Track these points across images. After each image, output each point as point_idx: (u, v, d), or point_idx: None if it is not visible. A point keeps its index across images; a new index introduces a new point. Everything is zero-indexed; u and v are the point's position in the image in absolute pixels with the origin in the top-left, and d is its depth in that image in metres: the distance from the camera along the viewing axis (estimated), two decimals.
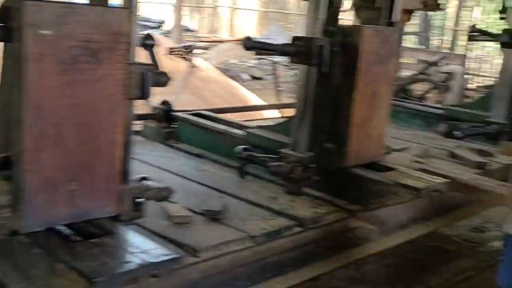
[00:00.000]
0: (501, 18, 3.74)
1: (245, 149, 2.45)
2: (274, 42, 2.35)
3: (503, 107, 3.67)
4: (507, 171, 3.15)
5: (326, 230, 2.35)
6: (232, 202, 2.25)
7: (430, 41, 13.73)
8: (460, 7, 12.85)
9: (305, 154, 2.36)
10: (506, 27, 3.66)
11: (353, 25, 2.40)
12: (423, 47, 12.78)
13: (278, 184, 2.48)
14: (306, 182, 2.37)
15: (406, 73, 7.09)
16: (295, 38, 2.19)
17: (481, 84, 10.24)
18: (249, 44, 2.17)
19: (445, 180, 2.42)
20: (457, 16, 10.87)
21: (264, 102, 6.09)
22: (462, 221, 3.54)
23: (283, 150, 2.38)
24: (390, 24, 2.54)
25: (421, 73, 5.27)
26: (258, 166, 2.49)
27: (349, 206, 2.40)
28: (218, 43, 13.40)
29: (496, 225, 3.73)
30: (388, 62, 2.41)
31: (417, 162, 3.01)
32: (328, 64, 2.25)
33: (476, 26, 3.93)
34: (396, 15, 2.60)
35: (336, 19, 2.31)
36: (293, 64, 2.37)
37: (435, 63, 5.45)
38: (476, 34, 3.79)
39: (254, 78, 10.92)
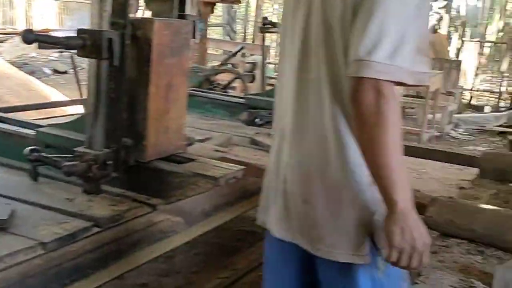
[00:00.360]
0: None
1: (33, 150, 2.27)
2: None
3: None
4: None
5: (127, 227, 2.31)
6: (21, 208, 2.09)
7: (235, 33, 14.26)
8: None
9: (102, 151, 2.27)
10: None
11: (143, 18, 2.36)
12: (228, 38, 13.24)
13: (76, 184, 2.36)
14: (104, 180, 2.29)
15: (212, 64, 7.28)
16: (80, 31, 2.08)
17: None
18: (30, 38, 2.00)
19: (241, 167, 2.51)
20: (258, 8, 11.45)
21: (66, 98, 5.76)
22: None
23: (77, 148, 2.27)
24: (182, 16, 2.54)
25: (223, 64, 5.42)
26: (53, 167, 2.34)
27: (150, 201, 2.38)
28: (14, 35, 12.35)
29: None
30: (181, 54, 2.42)
31: (219, 151, 3.09)
32: (119, 57, 2.18)
33: (267, 18, 4.14)
34: (188, 8, 2.62)
35: (125, 11, 2.24)
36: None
37: (234, 54, 5.66)
38: (268, 26, 4.00)
39: (57, 72, 10.30)
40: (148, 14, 2.58)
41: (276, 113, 1.53)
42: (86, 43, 2.09)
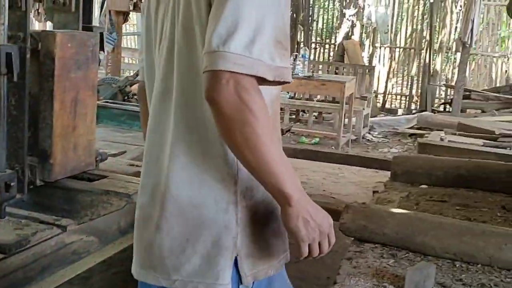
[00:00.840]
0: None
1: None
2: None
3: None
4: None
5: (35, 251, 2.19)
6: None
7: None
8: None
9: (4, 172, 2.14)
10: None
11: (44, 30, 2.25)
12: None
13: None
14: (7, 202, 2.15)
15: (127, 74, 7.12)
16: None
17: None
18: None
19: None
20: None
21: None
22: None
23: None
24: (89, 28, 2.46)
25: (138, 74, 5.32)
26: None
27: (60, 222, 2.26)
28: None
29: None
30: (88, 68, 2.33)
31: (134, 165, 3.01)
32: (19, 72, 2.06)
33: None
34: (96, 18, 2.53)
35: (25, 23, 2.13)
36: None
37: None
38: None
39: None
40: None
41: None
42: None
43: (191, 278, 1.18)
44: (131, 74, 5.64)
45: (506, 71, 10.44)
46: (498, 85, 10.11)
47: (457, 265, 2.02)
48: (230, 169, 1.15)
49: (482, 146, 5.19)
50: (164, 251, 1.19)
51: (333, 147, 6.79)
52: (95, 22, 2.49)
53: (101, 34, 2.49)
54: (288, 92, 7.83)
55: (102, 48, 2.46)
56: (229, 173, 1.15)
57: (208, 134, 1.14)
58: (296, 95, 8.63)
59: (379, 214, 2.19)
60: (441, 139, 5.18)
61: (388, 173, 3.31)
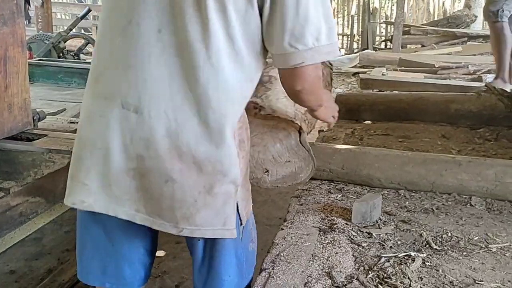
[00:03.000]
0: None
1: None
2: None
3: None
4: None
5: None
6: None
7: None
8: None
9: None
10: None
11: None
12: (75, 1, 12.48)
13: None
14: None
15: (60, 30, 6.83)
16: None
17: None
18: None
19: None
20: None
21: None
22: None
23: None
24: None
25: (71, 29, 5.10)
26: None
27: (2, 185, 2.21)
28: None
29: None
30: (14, 22, 2.22)
31: (74, 122, 2.94)
32: None
33: None
34: None
35: None
36: None
37: (82, 17, 5.33)
38: None
39: None
40: None
41: (114, 79, 1.27)
42: None
43: (198, 227, 1.28)
44: (64, 29, 5.41)
45: (443, 4, 10.61)
46: (436, 19, 10.30)
47: (402, 194, 2.10)
48: (234, 126, 1.28)
49: (423, 79, 5.32)
50: (175, 202, 1.26)
51: None
52: None
53: None
54: None
55: (27, 1, 2.33)
56: (234, 129, 1.28)
57: (223, 97, 1.24)
58: None
59: (324, 151, 2.23)
60: (383, 75, 5.27)
61: None
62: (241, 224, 1.35)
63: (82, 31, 8.53)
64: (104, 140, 1.25)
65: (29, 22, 6.18)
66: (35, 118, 2.44)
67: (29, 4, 2.14)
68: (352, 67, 8.14)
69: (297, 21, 1.21)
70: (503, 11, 4.16)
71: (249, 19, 1.22)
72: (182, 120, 1.23)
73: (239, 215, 1.34)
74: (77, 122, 2.96)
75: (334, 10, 11.12)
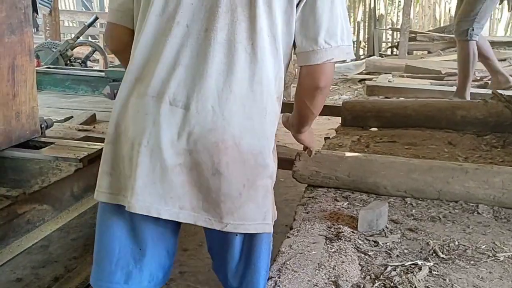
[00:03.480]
0: None
1: None
2: None
3: None
4: None
5: None
6: None
7: (92, 2, 13.56)
8: None
9: None
10: None
11: None
12: (82, 9, 12.57)
13: None
14: None
15: (68, 38, 6.87)
16: None
17: None
18: None
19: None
20: None
21: None
22: None
23: None
24: None
25: (78, 37, 5.13)
26: None
27: (10, 193, 2.22)
28: None
29: None
30: (22, 31, 2.23)
31: (82, 130, 2.95)
32: None
33: None
34: None
35: None
36: None
37: (90, 25, 5.36)
38: None
39: None
40: None
41: (160, 78, 1.32)
42: None
43: (242, 221, 1.34)
44: (72, 37, 5.44)
45: (449, 9, 10.60)
46: (442, 25, 10.28)
47: (408, 201, 2.09)
48: (275, 126, 1.38)
49: (429, 85, 5.31)
50: (221, 195, 1.31)
51: (284, 98, 6.80)
52: None
53: None
54: None
55: (35, 9, 2.35)
56: (274, 129, 1.39)
57: (265, 91, 1.33)
58: None
59: (330, 159, 2.23)
60: (389, 82, 5.26)
61: (340, 119, 3.35)
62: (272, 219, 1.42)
63: (90, 38, 8.58)
64: (151, 137, 1.29)
65: (37, 30, 6.22)
66: (42, 126, 2.46)
67: (37, 13, 2.17)
68: (358, 73, 8.14)
69: (331, 20, 1.34)
70: (473, 29, 4.19)
71: (288, 19, 1.33)
72: (228, 114, 1.29)
73: (272, 212, 1.42)
74: (85, 130, 2.98)
75: None
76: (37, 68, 2.86)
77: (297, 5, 1.32)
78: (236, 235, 1.38)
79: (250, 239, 1.40)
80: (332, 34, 1.34)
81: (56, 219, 2.64)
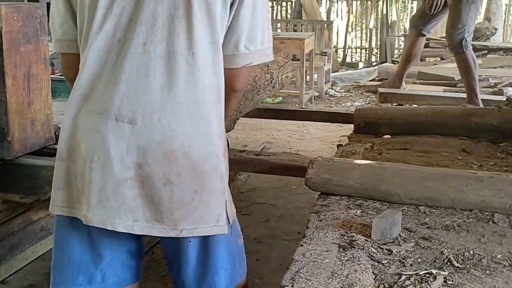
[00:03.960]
0: None
1: None
2: None
3: None
4: None
5: (3, 230, 2.17)
6: None
7: None
8: None
9: None
10: None
11: None
12: None
13: None
14: None
15: None
16: None
17: None
18: None
19: None
20: None
21: None
22: None
23: None
24: None
25: None
26: None
27: (24, 200, 2.25)
28: None
29: None
30: (37, 40, 2.26)
31: None
32: None
33: None
34: None
35: None
36: None
37: None
38: None
39: None
40: None
41: (105, 94, 1.34)
42: None
43: (195, 225, 1.39)
44: None
45: None
46: None
47: (422, 210, 2.07)
48: (223, 128, 1.44)
49: (442, 92, 5.29)
50: (174, 203, 1.36)
51: (296, 105, 6.81)
52: None
53: (48, 4, 2.40)
54: None
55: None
56: (222, 131, 1.44)
57: (209, 98, 1.38)
58: None
59: (343, 166, 2.22)
60: (402, 88, 5.25)
61: (352, 126, 3.34)
62: (229, 222, 1.47)
63: None
64: (101, 153, 1.32)
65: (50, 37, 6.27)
66: (56, 133, 2.48)
67: None
68: (370, 80, 8.12)
69: (252, 25, 1.42)
70: (466, 40, 4.22)
71: (223, 25, 1.39)
72: (175, 125, 1.33)
73: (227, 214, 1.46)
74: None
75: (352, 23, 11.14)
76: (52, 76, 2.88)
77: (230, 10, 1.38)
78: (190, 240, 1.43)
79: (205, 242, 1.45)
80: (251, 39, 1.42)
81: None
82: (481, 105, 4.32)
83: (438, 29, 10.81)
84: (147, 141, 1.32)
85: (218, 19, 1.36)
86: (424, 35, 5.28)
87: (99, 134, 1.32)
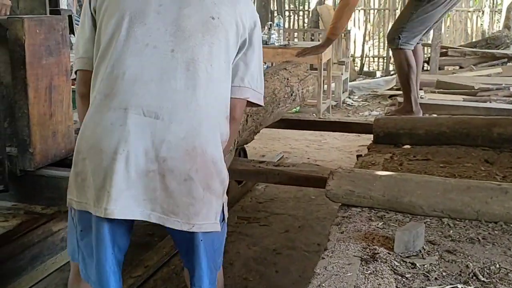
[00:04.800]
0: None
1: None
2: None
3: None
4: None
5: (23, 241, 2.17)
6: None
7: None
8: None
9: None
10: None
11: (10, 17, 2.19)
12: None
13: None
14: None
15: None
16: None
17: None
18: None
19: None
20: None
21: None
22: None
23: None
24: (56, 12, 2.40)
25: None
26: None
27: (45, 210, 2.26)
28: None
29: None
30: (59, 52, 2.28)
31: None
32: None
33: None
34: (64, 1, 2.47)
35: None
36: None
37: None
38: None
39: None
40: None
41: (132, 92, 1.46)
42: None
43: (202, 221, 1.51)
44: None
45: (481, 25, 10.46)
46: (474, 40, 10.15)
47: (445, 222, 2.04)
48: (223, 135, 1.59)
49: (462, 102, 5.23)
50: (191, 199, 1.47)
51: (314, 114, 6.80)
52: (63, 5, 2.43)
53: (70, 17, 2.44)
54: (265, 63, 7.77)
55: (72, 31, 2.40)
56: (223, 138, 1.60)
57: (219, 108, 1.57)
58: (274, 65, 8.57)
59: (364, 177, 2.20)
60: (421, 98, 5.19)
61: (371, 136, 3.31)
62: (223, 220, 1.63)
63: None
64: (126, 145, 1.41)
65: (71, 49, 6.35)
66: None
67: (74, 34, 2.22)
68: (388, 89, 8.07)
69: (254, 68, 1.66)
70: (400, 38, 4.02)
71: (232, 56, 1.59)
72: (197, 124, 1.48)
73: (223, 213, 1.63)
74: None
75: (369, 32, 11.10)
76: (73, 87, 2.90)
77: (239, 49, 1.60)
78: (199, 234, 1.53)
79: (206, 238, 1.56)
80: (252, 78, 1.66)
81: None
82: (419, 113, 4.05)
83: (456, 37, 10.74)
84: (172, 137, 1.44)
85: (230, 48, 1.56)
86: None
87: (125, 128, 1.41)
